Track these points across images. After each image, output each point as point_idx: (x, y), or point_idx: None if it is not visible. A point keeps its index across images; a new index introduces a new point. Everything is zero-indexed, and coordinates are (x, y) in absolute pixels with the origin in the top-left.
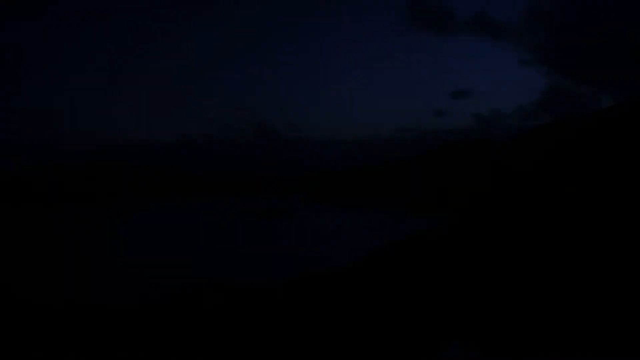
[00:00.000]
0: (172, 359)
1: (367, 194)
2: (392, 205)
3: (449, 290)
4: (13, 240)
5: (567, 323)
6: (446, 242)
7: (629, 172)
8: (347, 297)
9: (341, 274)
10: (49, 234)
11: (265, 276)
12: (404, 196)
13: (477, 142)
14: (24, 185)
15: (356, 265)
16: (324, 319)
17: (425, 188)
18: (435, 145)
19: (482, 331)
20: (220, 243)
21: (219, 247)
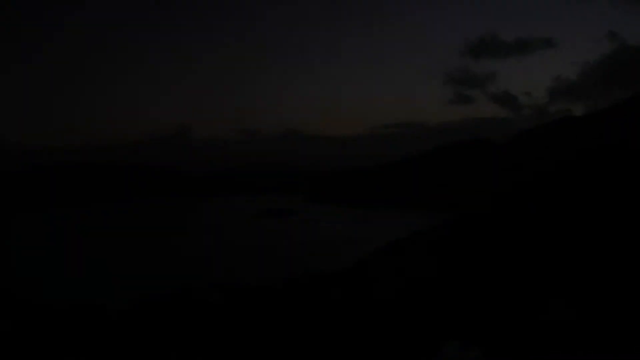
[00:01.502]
0: (173, 358)
1: (367, 194)
2: (393, 205)
3: (449, 289)
4: (14, 241)
5: (566, 322)
6: (446, 242)
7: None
8: (348, 296)
9: (341, 273)
10: (49, 234)
11: (265, 276)
12: (405, 196)
13: (477, 142)
14: (21, 186)
15: (356, 265)
16: (324, 318)
17: (426, 188)
18: (435, 145)
19: (482, 331)
20: (221, 243)
21: (219, 247)
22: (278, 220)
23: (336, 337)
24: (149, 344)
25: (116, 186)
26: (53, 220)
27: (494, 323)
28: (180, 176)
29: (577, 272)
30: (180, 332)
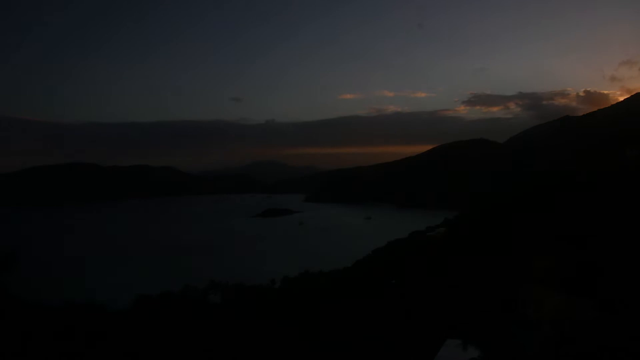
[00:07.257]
0: (172, 356)
1: (367, 193)
2: (393, 204)
3: (449, 289)
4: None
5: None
6: (446, 242)
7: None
8: (347, 296)
9: (341, 273)
10: (49, 234)
11: (264, 275)
12: (404, 195)
13: (477, 142)
14: (21, 185)
15: (356, 265)
16: (323, 317)
17: (426, 188)
18: (435, 145)
19: (482, 331)
20: (220, 242)
21: (218, 246)
22: (278, 219)
23: (336, 336)
24: (148, 344)
25: (116, 185)
26: (52, 219)
27: (495, 322)
28: (179, 175)
29: (578, 271)
30: (179, 331)
